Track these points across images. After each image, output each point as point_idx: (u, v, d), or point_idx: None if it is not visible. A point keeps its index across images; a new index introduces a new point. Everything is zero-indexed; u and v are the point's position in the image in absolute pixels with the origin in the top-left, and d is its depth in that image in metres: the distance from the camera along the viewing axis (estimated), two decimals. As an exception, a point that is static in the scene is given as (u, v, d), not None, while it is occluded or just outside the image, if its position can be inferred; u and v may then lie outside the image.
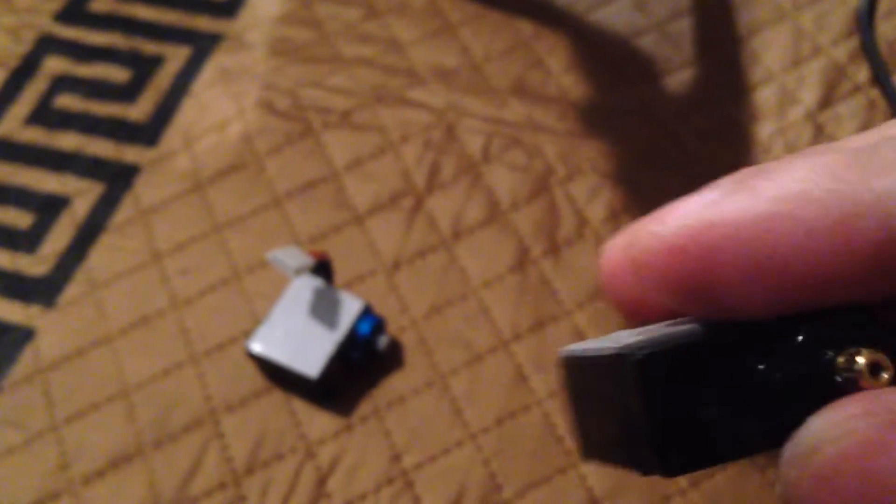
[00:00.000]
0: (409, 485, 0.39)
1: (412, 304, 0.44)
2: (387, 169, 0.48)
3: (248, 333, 0.42)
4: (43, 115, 0.52)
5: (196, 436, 0.41)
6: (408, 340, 0.43)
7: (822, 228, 0.10)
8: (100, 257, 0.47)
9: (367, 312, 0.41)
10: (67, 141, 0.51)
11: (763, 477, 0.39)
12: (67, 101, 0.53)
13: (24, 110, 0.53)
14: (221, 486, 0.40)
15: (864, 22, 0.48)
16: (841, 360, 0.11)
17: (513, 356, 0.42)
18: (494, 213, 0.46)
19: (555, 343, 0.42)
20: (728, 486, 0.38)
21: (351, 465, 0.40)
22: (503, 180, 0.47)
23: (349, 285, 0.44)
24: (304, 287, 0.41)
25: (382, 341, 0.41)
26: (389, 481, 0.39)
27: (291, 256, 0.39)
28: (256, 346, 0.40)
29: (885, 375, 0.11)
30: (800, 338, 0.11)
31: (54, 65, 0.54)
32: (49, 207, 0.49)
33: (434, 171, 0.48)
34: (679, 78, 0.51)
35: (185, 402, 0.42)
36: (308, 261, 0.40)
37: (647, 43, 0.52)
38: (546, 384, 0.41)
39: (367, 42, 0.53)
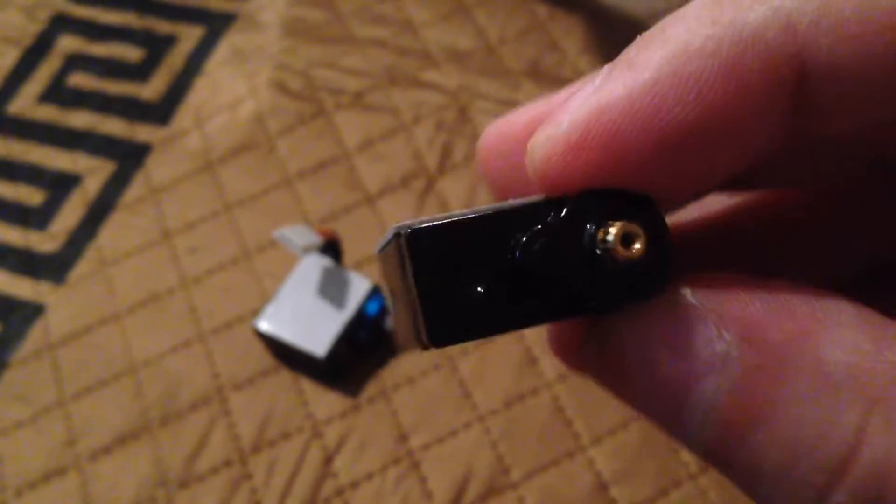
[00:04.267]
0: (416, 465, 0.39)
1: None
2: (398, 150, 0.48)
3: (256, 312, 0.42)
4: (56, 93, 0.52)
5: (203, 413, 0.41)
6: (417, 322, 0.42)
7: (710, 77, 0.10)
8: (110, 235, 0.46)
9: (375, 292, 0.41)
10: (80, 119, 0.51)
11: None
12: (80, 80, 0.53)
13: (38, 88, 0.53)
14: (227, 463, 0.39)
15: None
16: (600, 232, 0.12)
17: (522, 338, 0.41)
18: (506, 196, 0.46)
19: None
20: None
21: (357, 444, 0.39)
22: (515, 162, 0.47)
23: (359, 266, 0.44)
24: (312, 266, 0.41)
25: (391, 322, 0.41)
26: (396, 461, 0.39)
27: (299, 234, 0.39)
28: (264, 325, 0.40)
29: (638, 245, 0.11)
30: (563, 212, 0.12)
31: (68, 43, 0.54)
32: (60, 185, 0.49)
33: (446, 153, 0.47)
34: (696, 61, 0.50)
35: (192, 380, 0.42)
36: (316, 239, 0.40)
37: (664, 26, 0.51)
38: (555, 367, 0.41)
39: (381, 23, 0.53)
